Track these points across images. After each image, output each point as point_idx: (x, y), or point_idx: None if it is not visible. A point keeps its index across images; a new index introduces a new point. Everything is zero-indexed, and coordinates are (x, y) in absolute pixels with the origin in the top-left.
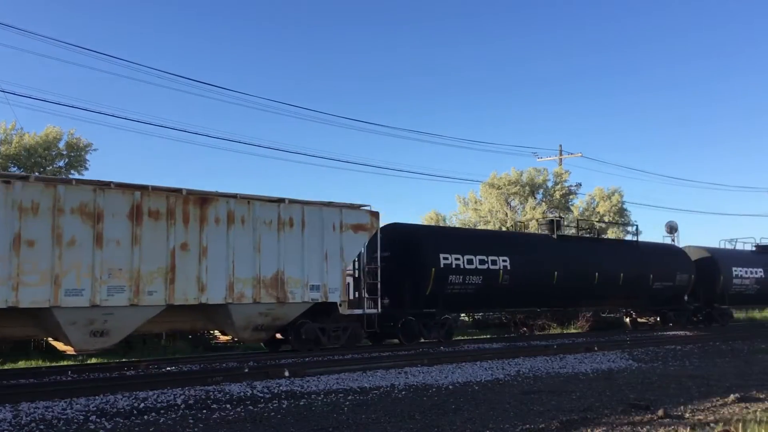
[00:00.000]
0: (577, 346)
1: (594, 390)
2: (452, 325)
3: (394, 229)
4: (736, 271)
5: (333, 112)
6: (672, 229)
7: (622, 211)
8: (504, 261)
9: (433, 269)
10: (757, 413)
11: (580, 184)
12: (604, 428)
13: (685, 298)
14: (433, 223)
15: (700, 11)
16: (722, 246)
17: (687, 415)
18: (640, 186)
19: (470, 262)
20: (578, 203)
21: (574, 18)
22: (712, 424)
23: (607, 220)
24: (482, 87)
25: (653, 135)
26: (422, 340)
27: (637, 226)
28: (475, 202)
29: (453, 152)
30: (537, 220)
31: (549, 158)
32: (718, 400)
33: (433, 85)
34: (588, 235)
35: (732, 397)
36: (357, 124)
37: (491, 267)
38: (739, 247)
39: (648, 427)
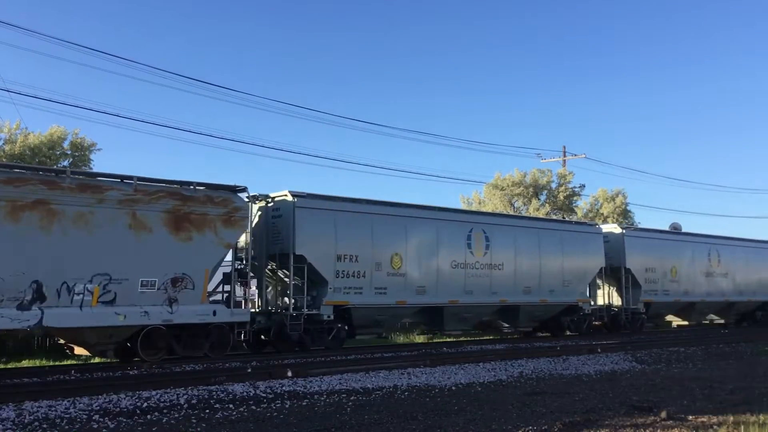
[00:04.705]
0: (580, 348)
1: (597, 391)
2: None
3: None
4: None
5: (335, 112)
6: (676, 230)
7: (626, 213)
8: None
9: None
10: (760, 416)
11: (583, 186)
12: (606, 430)
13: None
14: None
15: (703, 13)
16: None
17: (690, 417)
18: (644, 187)
19: None
20: (582, 204)
21: (578, 19)
22: (715, 426)
23: (610, 222)
24: (486, 88)
25: (657, 136)
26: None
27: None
28: (479, 203)
29: (457, 153)
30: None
31: (552, 159)
32: (721, 402)
33: (437, 85)
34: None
35: (735, 398)
36: (360, 124)
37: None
38: None
39: (651, 429)
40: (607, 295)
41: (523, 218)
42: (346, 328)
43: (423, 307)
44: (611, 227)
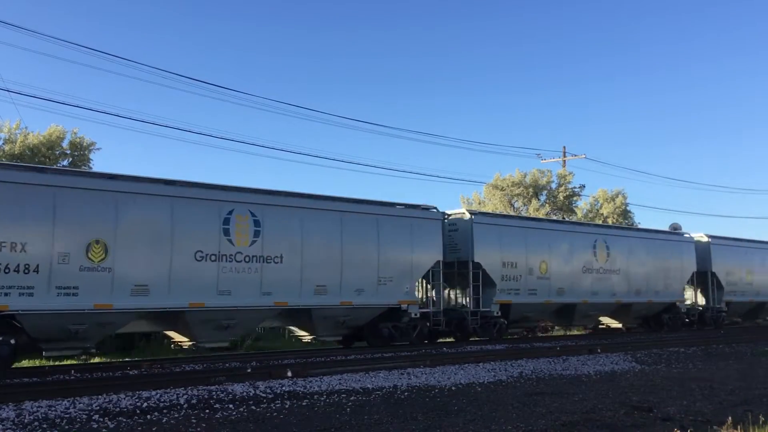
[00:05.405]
0: (580, 348)
1: (597, 392)
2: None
3: None
4: None
5: (336, 113)
6: (675, 230)
7: (626, 213)
8: None
9: None
10: (760, 416)
11: (583, 186)
12: (606, 430)
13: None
14: None
15: (704, 13)
16: None
17: (690, 417)
18: (644, 187)
19: None
20: (582, 205)
21: (578, 20)
22: (714, 427)
23: (611, 222)
24: (486, 88)
25: (657, 136)
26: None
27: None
28: (479, 203)
29: (457, 153)
30: None
31: (552, 159)
32: (721, 403)
33: (437, 85)
34: None
35: (735, 399)
36: (360, 124)
37: None
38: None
39: (650, 429)
40: (459, 296)
41: (316, 198)
42: (13, 342)
43: (152, 312)
44: (460, 212)
